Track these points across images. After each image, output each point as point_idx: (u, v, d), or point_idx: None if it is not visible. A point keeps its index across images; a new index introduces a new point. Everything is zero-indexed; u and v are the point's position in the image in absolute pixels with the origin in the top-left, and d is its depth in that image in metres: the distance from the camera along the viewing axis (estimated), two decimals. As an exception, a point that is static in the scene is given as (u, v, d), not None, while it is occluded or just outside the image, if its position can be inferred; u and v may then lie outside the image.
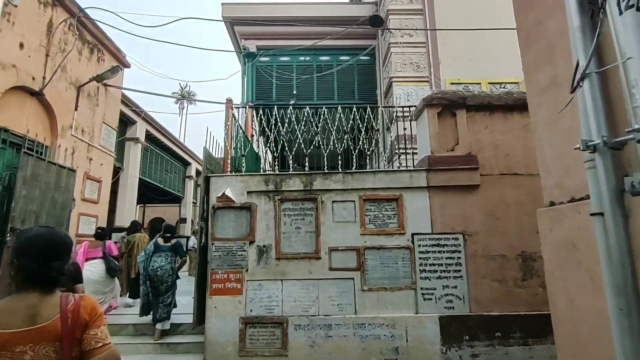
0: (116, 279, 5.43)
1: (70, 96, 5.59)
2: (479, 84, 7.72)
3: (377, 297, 4.54)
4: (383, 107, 6.74)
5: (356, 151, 5.44)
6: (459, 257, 4.65)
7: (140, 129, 13.05)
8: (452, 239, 4.70)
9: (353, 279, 4.57)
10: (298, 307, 4.49)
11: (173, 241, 5.36)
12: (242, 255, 4.59)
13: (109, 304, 5.35)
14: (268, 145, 5.33)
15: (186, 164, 18.23)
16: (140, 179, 13.44)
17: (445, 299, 4.55)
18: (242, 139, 5.49)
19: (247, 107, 5.51)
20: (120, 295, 6.21)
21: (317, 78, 9.22)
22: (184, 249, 5.63)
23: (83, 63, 5.92)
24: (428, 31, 7.85)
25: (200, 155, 15.96)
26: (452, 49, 7.79)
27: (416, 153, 5.70)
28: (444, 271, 4.61)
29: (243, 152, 5.15)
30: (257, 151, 5.86)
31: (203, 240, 4.63)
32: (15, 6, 4.54)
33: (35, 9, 4.93)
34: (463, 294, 4.56)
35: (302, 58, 9.42)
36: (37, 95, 5.00)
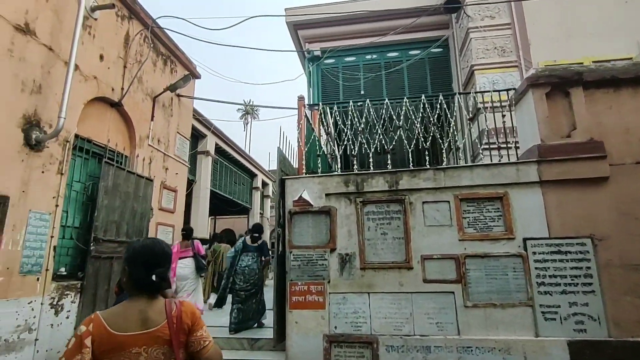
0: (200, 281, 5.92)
1: (146, 107, 5.67)
2: (581, 64, 6.62)
3: (484, 315, 3.79)
4: (460, 93, 5.93)
5: (428, 146, 4.78)
6: (588, 267, 3.76)
7: (210, 143, 13.47)
8: (578, 244, 3.81)
9: (453, 292, 3.89)
10: (389, 325, 3.91)
11: (259, 241, 5.58)
12: (322, 264, 4.13)
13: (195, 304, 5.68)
14: (341, 144, 4.86)
15: (253, 175, 18.58)
16: (211, 190, 13.84)
17: (574, 320, 3.67)
18: (315, 139, 5.11)
19: (318, 106, 5.12)
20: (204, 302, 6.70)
21: (386, 76, 8.67)
22: (268, 251, 5.87)
23: (157, 74, 6.02)
24: (514, 11, 6.95)
25: (266, 167, 16.05)
26: (544, 27, 6.80)
27: (509, 148, 4.87)
28: (570, 284, 3.75)
29: (318, 152, 4.75)
30: (328, 152, 5.45)
31: (280, 248, 4.26)
32: (95, 19, 4.65)
33: (113, 22, 5.05)
34: (597, 313, 3.65)
35: (368, 56, 8.96)
36: (117, 106, 5.08)
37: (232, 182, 16.26)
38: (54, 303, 3.99)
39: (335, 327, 3.98)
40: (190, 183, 12.59)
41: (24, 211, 3.74)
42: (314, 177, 4.39)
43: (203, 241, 7.08)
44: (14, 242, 3.63)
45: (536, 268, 3.82)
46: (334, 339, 3.93)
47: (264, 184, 20.05)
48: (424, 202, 4.16)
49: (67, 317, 4.15)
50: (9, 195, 3.58)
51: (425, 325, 3.86)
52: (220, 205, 16.73)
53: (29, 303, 3.72)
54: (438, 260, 3.98)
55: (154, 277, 1.35)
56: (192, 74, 6.85)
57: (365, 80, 8.58)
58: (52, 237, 3.98)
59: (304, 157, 4.66)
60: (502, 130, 4.93)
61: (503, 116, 4.64)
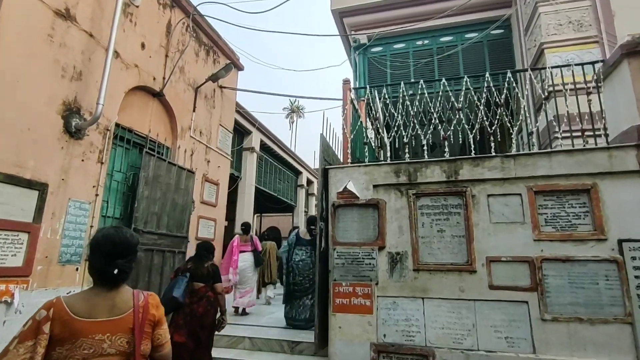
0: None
1: (188, 98, 5.56)
2: (680, 35, 5.54)
3: (568, 331, 3.13)
4: (533, 69, 5.11)
5: (493, 130, 4.13)
6: None
7: (255, 139, 13.46)
8: (694, 249, 3.04)
9: (527, 302, 3.26)
10: (447, 337, 3.37)
11: (314, 234, 5.11)
12: (370, 264, 3.68)
13: (250, 300, 6.14)
14: (390, 132, 4.36)
15: (297, 173, 18.45)
16: (256, 187, 13.84)
17: (690, 344, 2.91)
18: (361, 127, 4.65)
19: (365, 89, 4.65)
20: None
21: (439, 62, 7.99)
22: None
23: (200, 65, 5.91)
24: (592, -22, 6.01)
25: (311, 166, 15.79)
26: (632, -5, 5.80)
27: (596, 135, 4.08)
28: (683, 299, 2.99)
29: (365, 140, 4.29)
30: (375, 141, 4.97)
31: (323, 244, 3.86)
32: (137, 6, 4.56)
33: (155, 10, 4.96)
34: None
35: (419, 42, 8.32)
36: (158, 96, 4.99)
37: (276, 180, 16.20)
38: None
39: (384, 336, 3.51)
40: (235, 179, 12.64)
41: (64, 199, 3.68)
42: (360, 166, 3.95)
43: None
44: (53, 230, 3.58)
45: (636, 277, 3.10)
46: (383, 348, 3.47)
47: (309, 182, 19.87)
48: (489, 195, 3.56)
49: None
50: (49, 182, 3.52)
51: (492, 339, 3.28)
52: (265, 203, 16.76)
53: (67, 293, 3.65)
54: (507, 264, 3.37)
55: (115, 270, 1.31)
56: (235, 64, 6.69)
57: (415, 67, 7.96)
58: (91, 226, 3.91)
59: (349, 145, 4.23)
60: (585, 114, 4.15)
61: (588, 94, 3.88)
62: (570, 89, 4.15)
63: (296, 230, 5.51)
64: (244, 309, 6.08)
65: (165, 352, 1.37)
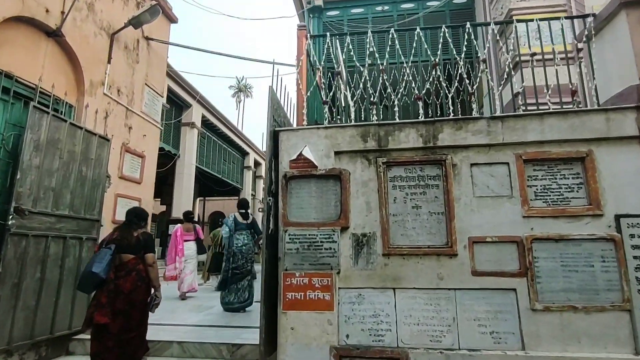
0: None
1: (101, 45, 4.39)
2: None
3: (560, 322, 2.68)
4: (496, 22, 4.61)
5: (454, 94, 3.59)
6: None
7: (196, 113, 12.14)
8: (696, 224, 2.69)
9: (515, 290, 2.76)
10: (423, 335, 2.78)
11: (250, 218, 5.54)
12: (330, 249, 2.97)
13: (190, 282, 6.49)
14: (352, 89, 3.65)
15: (244, 153, 17.29)
16: (197, 168, 12.56)
17: (691, 331, 2.57)
18: (317, 86, 3.87)
19: (325, 37, 3.86)
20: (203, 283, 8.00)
21: (399, 32, 7.39)
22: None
23: (117, 5, 4.72)
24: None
25: (259, 146, 14.71)
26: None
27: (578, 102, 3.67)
28: (685, 281, 2.63)
29: (325, 98, 3.52)
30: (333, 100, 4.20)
31: (272, 226, 3.08)
32: None
33: None
34: None
35: (379, 8, 7.66)
36: (55, 35, 3.80)
37: (221, 160, 14.97)
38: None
39: (347, 336, 2.84)
40: (172, 157, 11.32)
41: None
42: (319, 128, 3.18)
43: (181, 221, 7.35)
44: None
45: (635, 257, 2.70)
46: (346, 352, 2.80)
47: (257, 164, 18.79)
48: (472, 165, 2.99)
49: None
50: None
51: (475, 335, 2.74)
52: (208, 185, 15.48)
53: None
54: (493, 245, 2.84)
55: None
56: (164, 11, 5.53)
57: (374, 35, 7.28)
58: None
59: (304, 105, 3.43)
60: (566, 85, 3.70)
61: (568, 60, 3.42)
62: (547, 57, 3.69)
63: (233, 215, 5.47)
64: (184, 293, 6.34)
65: None
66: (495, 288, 2.78)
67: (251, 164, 17.83)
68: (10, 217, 3.21)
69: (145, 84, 5.25)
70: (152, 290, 3.36)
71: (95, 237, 4.19)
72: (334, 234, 2.98)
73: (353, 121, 3.63)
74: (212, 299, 6.13)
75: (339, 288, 2.91)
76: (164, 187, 12.29)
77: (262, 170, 19.81)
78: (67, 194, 3.86)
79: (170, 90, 10.40)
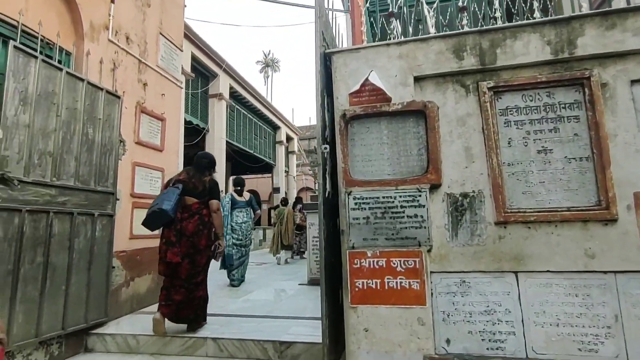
0: None
1: (101, -21, 3.57)
2: None
3: None
4: None
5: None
6: None
7: (223, 84, 11.34)
8: None
9: None
10: (566, 340, 1.84)
11: (247, 195, 5.69)
12: (415, 216, 2.05)
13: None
14: None
15: (275, 127, 16.46)
16: (228, 143, 11.89)
17: None
18: None
19: None
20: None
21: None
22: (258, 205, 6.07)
23: None
24: None
25: (290, 119, 13.80)
26: None
27: None
28: None
29: (392, 7, 2.51)
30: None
31: (328, 187, 2.20)
32: None
33: None
34: None
35: None
36: (39, -38, 3.01)
37: (252, 135, 14.21)
38: None
39: (448, 342, 1.95)
40: (201, 132, 10.66)
41: None
42: (389, 44, 2.20)
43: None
44: None
45: None
46: (448, 366, 1.92)
47: (289, 139, 17.97)
48: (634, 82, 1.94)
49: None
50: None
51: (655, 342, 1.77)
52: (239, 162, 14.86)
53: None
54: (679, 203, 1.82)
55: None
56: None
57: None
58: None
59: (362, 17, 2.45)
60: None
61: None
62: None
63: (229, 194, 5.59)
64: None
65: None
66: (686, 270, 1.78)
67: (283, 138, 17.01)
68: (-6, 187, 2.54)
69: (160, 34, 4.44)
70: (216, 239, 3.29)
71: (111, 213, 3.51)
72: (419, 196, 2.05)
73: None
74: (249, 283, 5.45)
75: (432, 272, 2.01)
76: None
77: (295, 145, 19.02)
78: (70, 160, 3.16)
79: (193, 58, 9.62)
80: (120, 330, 3.28)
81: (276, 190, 16.08)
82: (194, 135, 10.30)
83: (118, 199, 3.65)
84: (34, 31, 2.98)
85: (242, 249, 5.30)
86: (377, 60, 2.19)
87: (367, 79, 2.14)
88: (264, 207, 17.95)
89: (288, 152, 18.18)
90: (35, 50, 2.92)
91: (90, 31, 3.47)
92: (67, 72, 3.16)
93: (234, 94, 12.30)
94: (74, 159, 3.22)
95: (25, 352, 2.76)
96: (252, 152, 14.04)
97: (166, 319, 3.04)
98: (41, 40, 3.03)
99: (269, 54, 36.49)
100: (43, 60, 2.94)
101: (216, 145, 10.90)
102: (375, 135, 2.17)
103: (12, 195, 2.68)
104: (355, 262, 2.07)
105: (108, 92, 3.56)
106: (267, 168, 16.27)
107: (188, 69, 8.94)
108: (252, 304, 4.01)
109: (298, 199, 9.33)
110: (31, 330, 2.76)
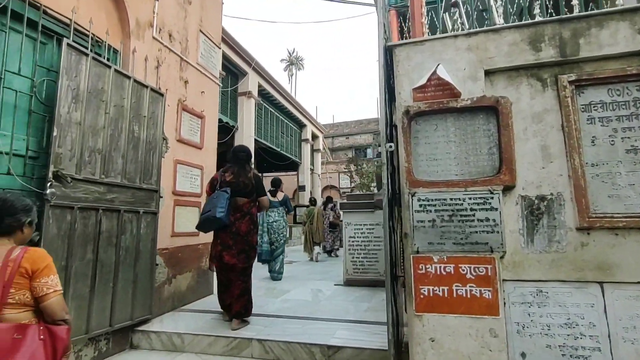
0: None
1: (146, -24, 3.57)
2: None
3: None
4: None
5: None
6: None
7: (252, 82, 11.37)
8: None
9: None
10: (663, 360, 1.67)
11: (281, 195, 5.81)
12: (486, 220, 1.91)
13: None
14: None
15: (301, 125, 16.43)
16: (255, 141, 11.93)
17: None
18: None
19: None
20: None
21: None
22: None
23: None
24: None
25: (315, 116, 13.83)
26: None
27: None
28: None
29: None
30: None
31: (389, 188, 2.09)
32: None
33: None
34: None
35: None
36: (90, -41, 3.02)
37: (279, 132, 14.22)
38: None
39: (523, 356, 1.81)
40: (230, 130, 10.72)
41: None
42: (457, 36, 2.07)
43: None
44: None
45: None
46: (525, 382, 1.78)
47: (314, 136, 17.90)
48: None
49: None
50: None
51: None
52: (265, 160, 14.91)
53: None
54: None
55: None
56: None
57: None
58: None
59: (423, 6, 2.32)
60: None
61: None
62: None
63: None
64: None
65: (47, 303, 1.40)
66: None
67: (309, 136, 16.96)
68: (49, 184, 2.55)
69: (200, 31, 4.42)
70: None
71: (155, 211, 3.52)
72: (491, 198, 1.91)
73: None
74: (284, 281, 5.41)
75: (504, 280, 1.87)
76: (222, 163, 11.85)
77: (320, 143, 18.95)
78: (117, 158, 3.17)
79: (224, 56, 9.65)
80: (164, 328, 3.27)
81: (301, 188, 16.07)
82: (224, 133, 10.35)
83: (161, 197, 3.65)
84: (85, 29, 3.00)
85: (275, 245, 5.58)
86: (443, 53, 2.06)
87: (434, 73, 2.01)
88: (289, 205, 17.95)
89: (313, 150, 18.13)
90: (86, 48, 2.93)
91: (136, 29, 3.47)
92: (115, 70, 3.17)
93: (262, 92, 12.32)
94: (121, 157, 3.23)
95: (76, 348, 2.78)
96: (278, 150, 14.06)
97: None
98: (86, 35, 3.03)
99: (293, 52, 36.56)
100: (93, 58, 2.95)
101: (245, 143, 10.92)
102: (441, 133, 2.04)
103: (65, 192, 2.70)
104: (420, 267, 1.96)
105: (152, 89, 3.56)
106: (292, 166, 16.27)
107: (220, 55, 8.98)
108: (292, 304, 3.95)
109: (329, 199, 9.44)
110: (82, 326, 2.77)
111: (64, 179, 2.66)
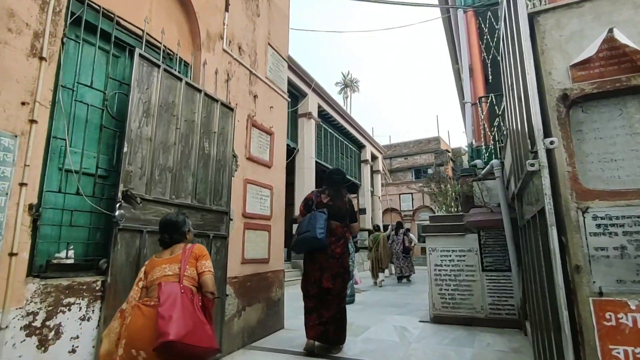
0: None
1: (216, -11, 3.43)
2: None
3: None
4: None
5: None
6: None
7: (312, 103, 11.23)
8: None
9: None
10: None
11: None
12: None
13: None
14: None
15: (360, 146, 15.98)
16: (316, 162, 11.68)
17: None
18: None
19: None
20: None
21: None
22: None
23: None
24: None
25: (374, 138, 13.40)
26: None
27: None
28: None
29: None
30: None
31: (548, 199, 1.50)
32: None
33: None
34: None
35: None
36: (163, -29, 2.90)
37: (338, 153, 13.89)
38: (38, 324, 1.92)
39: None
40: (292, 152, 10.56)
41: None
42: (636, -11, 1.49)
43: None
44: None
45: None
46: None
47: (373, 157, 17.34)
48: None
49: (73, 352, 2.07)
50: None
51: None
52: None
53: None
54: None
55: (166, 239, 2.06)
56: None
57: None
58: (23, 185, 1.91)
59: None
60: None
61: None
62: None
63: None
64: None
65: (203, 278, 1.94)
66: None
67: (368, 157, 16.44)
68: (118, 204, 2.31)
69: (269, 44, 4.22)
70: None
71: (225, 235, 3.21)
72: None
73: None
74: (359, 312, 4.83)
75: None
76: (287, 185, 11.69)
77: (379, 165, 18.33)
78: (187, 176, 2.92)
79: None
80: (236, 369, 2.85)
81: (362, 211, 15.43)
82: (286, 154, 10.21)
83: (232, 219, 3.34)
84: (156, 40, 2.84)
85: None
86: (615, 13, 1.49)
87: (605, 40, 1.45)
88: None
89: (373, 172, 17.54)
90: (157, 59, 2.75)
91: (207, 41, 3.29)
92: (187, 83, 2.96)
93: (321, 113, 12.16)
94: (191, 175, 2.97)
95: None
96: (338, 171, 13.67)
97: (315, 342, 3.11)
98: (158, 47, 2.86)
99: (347, 75, 36.77)
100: (165, 70, 2.76)
101: (306, 165, 10.73)
102: (620, 123, 1.45)
103: (134, 214, 2.44)
104: (608, 316, 1.33)
105: (222, 103, 3.33)
106: (352, 188, 15.75)
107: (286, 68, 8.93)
108: (376, 346, 3.36)
109: (399, 224, 9.63)
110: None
111: (134, 199, 2.41)
